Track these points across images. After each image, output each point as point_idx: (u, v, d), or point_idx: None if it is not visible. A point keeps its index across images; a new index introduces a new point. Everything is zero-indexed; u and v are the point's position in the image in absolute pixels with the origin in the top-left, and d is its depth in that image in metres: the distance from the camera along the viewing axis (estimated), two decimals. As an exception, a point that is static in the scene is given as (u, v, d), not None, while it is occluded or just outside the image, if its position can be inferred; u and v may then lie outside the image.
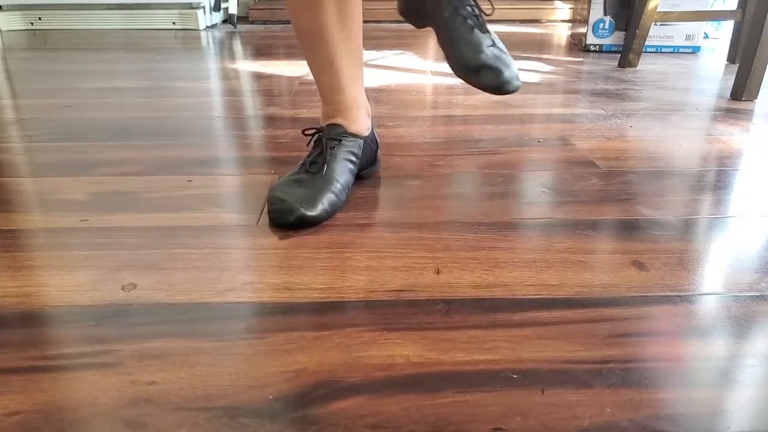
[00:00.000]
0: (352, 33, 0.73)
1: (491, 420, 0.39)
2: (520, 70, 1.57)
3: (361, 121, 0.77)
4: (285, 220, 0.65)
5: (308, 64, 0.76)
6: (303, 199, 0.66)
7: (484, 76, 0.68)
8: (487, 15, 0.72)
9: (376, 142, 0.81)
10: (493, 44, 0.70)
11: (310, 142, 0.76)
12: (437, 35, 0.75)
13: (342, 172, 0.71)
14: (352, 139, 0.74)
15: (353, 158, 0.74)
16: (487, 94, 1.29)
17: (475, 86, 0.70)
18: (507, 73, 0.68)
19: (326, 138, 0.73)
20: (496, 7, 0.81)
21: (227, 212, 0.71)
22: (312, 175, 0.69)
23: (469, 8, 0.71)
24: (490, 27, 0.74)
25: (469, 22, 0.70)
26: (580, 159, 0.88)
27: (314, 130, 0.76)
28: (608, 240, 0.64)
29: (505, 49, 0.71)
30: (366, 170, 0.80)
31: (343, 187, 0.70)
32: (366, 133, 0.77)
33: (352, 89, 0.75)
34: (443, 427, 0.39)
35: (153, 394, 0.42)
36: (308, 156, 0.73)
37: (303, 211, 0.65)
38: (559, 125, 1.06)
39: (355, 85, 0.76)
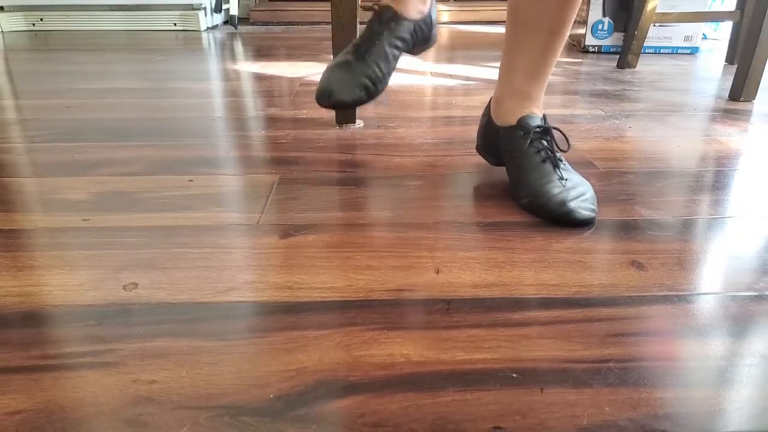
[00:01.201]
0: None
1: (490, 419, 0.40)
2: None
3: (412, 3, 0.78)
4: (321, 102, 0.73)
5: None
6: (342, 83, 0.72)
7: (547, 204, 0.68)
8: (564, 151, 0.74)
9: (431, 23, 0.82)
10: (562, 177, 0.70)
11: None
12: (508, 171, 0.76)
13: (384, 58, 0.75)
14: (401, 23, 0.76)
15: (399, 43, 0.77)
16: (486, 97, 1.29)
17: (540, 216, 0.69)
18: (571, 204, 0.67)
19: (376, 23, 0.76)
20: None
21: (228, 212, 0.71)
22: (357, 59, 0.74)
23: (544, 142, 0.72)
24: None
25: (542, 154, 0.72)
26: (579, 159, 0.88)
27: (374, 7, 0.79)
28: (607, 240, 0.64)
29: (580, 181, 0.71)
30: (417, 48, 0.82)
31: (383, 74, 0.75)
32: (417, 16, 0.79)
33: None
34: (443, 425, 0.39)
35: (154, 393, 0.42)
36: (360, 35, 0.76)
37: (338, 96, 0.73)
38: (558, 126, 1.07)
39: None
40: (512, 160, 0.74)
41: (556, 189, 0.68)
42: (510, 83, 0.75)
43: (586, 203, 0.68)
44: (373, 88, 0.75)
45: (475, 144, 0.84)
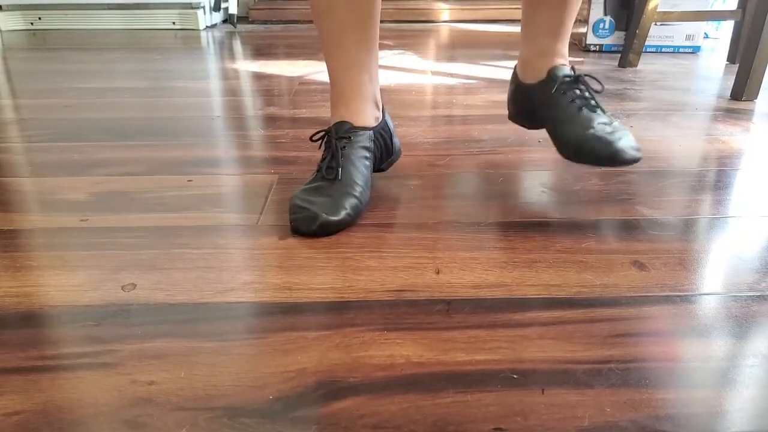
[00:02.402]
0: (360, 11, 0.70)
1: (491, 420, 0.39)
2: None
3: (366, 112, 0.74)
4: (308, 228, 0.64)
5: (322, 50, 0.75)
6: (325, 206, 0.65)
7: (593, 148, 0.70)
8: (598, 92, 0.75)
9: (389, 131, 0.78)
10: (605, 122, 0.72)
11: (320, 145, 0.74)
12: (547, 128, 0.78)
13: (359, 171, 0.70)
14: (360, 132, 0.72)
15: (367, 153, 0.72)
16: (486, 96, 1.29)
17: (586, 163, 0.72)
18: (619, 144, 0.69)
19: (335, 138, 0.71)
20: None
21: (227, 212, 0.71)
22: (330, 182, 0.68)
23: (577, 91, 0.74)
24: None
25: (577, 102, 0.73)
26: (580, 159, 0.88)
27: (322, 133, 0.74)
28: (608, 240, 0.64)
29: (619, 125, 0.72)
30: (385, 163, 0.79)
31: (363, 187, 0.69)
32: (373, 123, 0.75)
33: (356, 75, 0.73)
34: (443, 427, 0.39)
35: (153, 394, 0.42)
36: (322, 160, 0.71)
37: (326, 217, 0.64)
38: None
39: (361, 72, 0.73)
40: (548, 114, 0.76)
41: (599, 133, 0.69)
42: (534, 44, 0.78)
43: (632, 143, 0.70)
44: (360, 205, 0.67)
45: (507, 114, 0.88)
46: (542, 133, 1.01)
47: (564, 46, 0.78)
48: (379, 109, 0.77)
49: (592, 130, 0.70)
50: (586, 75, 0.76)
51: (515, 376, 0.43)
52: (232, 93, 1.31)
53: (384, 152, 0.77)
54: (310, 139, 0.74)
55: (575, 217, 0.69)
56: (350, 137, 0.72)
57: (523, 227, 0.67)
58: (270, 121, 1.09)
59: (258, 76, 1.48)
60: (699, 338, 0.47)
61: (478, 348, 0.46)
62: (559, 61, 0.77)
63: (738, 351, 0.46)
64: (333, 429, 0.39)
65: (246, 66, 1.62)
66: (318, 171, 0.71)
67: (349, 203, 0.66)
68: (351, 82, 0.73)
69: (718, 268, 0.58)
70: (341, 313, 0.51)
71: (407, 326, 0.49)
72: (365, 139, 0.73)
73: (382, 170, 0.79)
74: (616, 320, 0.50)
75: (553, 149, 0.93)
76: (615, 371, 0.44)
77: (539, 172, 0.83)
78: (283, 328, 0.49)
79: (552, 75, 0.76)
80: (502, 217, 0.69)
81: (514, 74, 0.85)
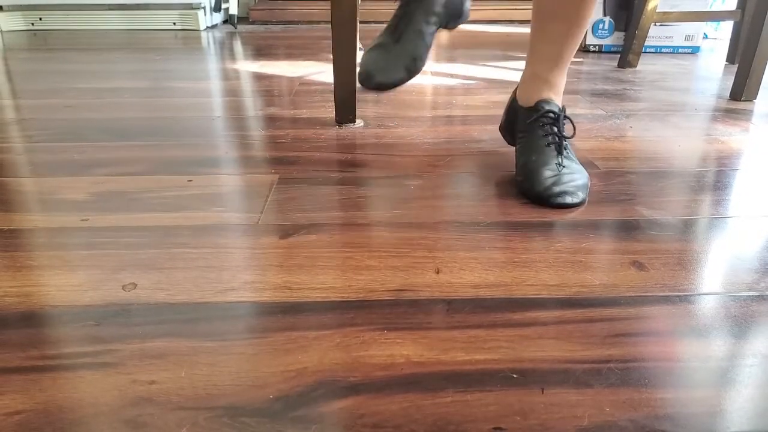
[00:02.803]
0: None
1: (491, 419, 0.39)
2: (521, 71, 1.57)
3: None
4: (366, 84, 0.77)
5: None
6: (382, 66, 0.75)
7: (532, 184, 0.72)
8: (567, 138, 0.76)
9: None
10: (561, 164, 0.73)
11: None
12: (516, 147, 0.80)
13: (419, 36, 0.77)
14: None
15: (433, 18, 0.78)
16: (486, 96, 1.29)
17: (524, 194, 0.74)
18: (555, 188, 0.71)
19: (412, 2, 0.77)
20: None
21: (228, 212, 0.71)
22: (393, 40, 0.77)
23: (555, 128, 0.75)
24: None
25: (549, 138, 0.75)
26: (580, 159, 0.88)
27: None
28: (608, 240, 0.64)
29: (575, 172, 0.73)
30: (451, 24, 0.83)
31: (420, 52, 0.76)
32: None
33: None
34: (443, 426, 0.39)
35: (153, 393, 0.42)
36: (394, 16, 0.78)
37: (379, 78, 0.76)
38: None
39: None
40: (521, 140, 0.78)
41: (549, 173, 0.71)
42: (532, 67, 0.80)
43: (574, 188, 0.71)
44: (413, 67, 0.78)
45: (499, 124, 0.90)
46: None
47: (558, 78, 0.78)
48: None
49: (545, 168, 0.72)
50: (566, 117, 0.77)
51: (515, 376, 0.43)
52: (232, 93, 1.31)
53: (454, 15, 0.84)
54: None
55: (575, 217, 0.69)
56: (424, 1, 0.78)
57: (523, 227, 0.67)
58: (270, 121, 1.09)
59: (258, 77, 1.48)
60: (698, 338, 0.48)
61: (477, 347, 0.46)
62: (551, 95, 0.78)
63: (737, 351, 0.46)
64: (333, 428, 0.39)
65: (246, 66, 1.62)
66: (388, 27, 0.79)
67: (404, 66, 0.76)
68: None
69: (718, 268, 0.58)
70: (341, 312, 0.51)
71: (407, 326, 0.49)
72: (437, 4, 0.79)
73: (449, 30, 0.86)
74: (615, 320, 0.50)
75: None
76: (614, 371, 0.44)
77: (539, 172, 0.83)
78: (284, 328, 0.49)
79: (538, 106, 0.77)
80: (502, 217, 0.69)
81: (516, 88, 0.86)
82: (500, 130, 0.90)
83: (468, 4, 0.85)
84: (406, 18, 0.77)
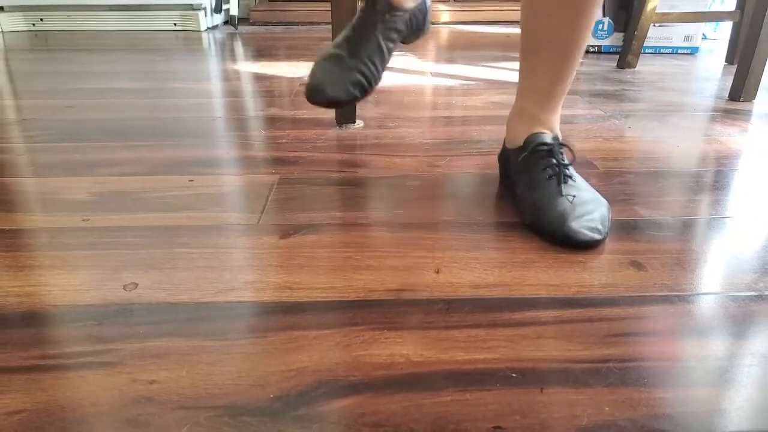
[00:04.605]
0: None
1: (490, 419, 0.40)
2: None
3: None
4: (314, 99, 0.69)
5: None
6: (334, 79, 0.68)
7: (547, 224, 0.63)
8: (568, 164, 0.68)
9: (425, 10, 0.77)
10: (572, 195, 0.64)
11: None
12: (515, 191, 0.71)
13: (378, 52, 0.70)
14: (396, 14, 0.71)
15: (394, 35, 0.72)
16: (485, 97, 1.29)
17: (540, 233, 0.65)
18: (572, 225, 0.61)
19: (370, 13, 0.71)
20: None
21: (228, 212, 0.71)
22: (350, 53, 0.69)
23: (553, 159, 0.67)
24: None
25: (548, 171, 0.66)
26: (579, 159, 0.88)
27: None
28: (606, 240, 0.64)
29: (590, 196, 0.66)
30: (410, 39, 0.78)
31: (377, 69, 0.69)
32: (412, 4, 0.73)
33: None
34: (443, 425, 0.39)
35: (154, 393, 0.42)
36: (352, 26, 0.72)
37: (330, 93, 0.68)
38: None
39: None
40: (519, 182, 0.69)
41: (558, 207, 0.63)
42: (520, 103, 0.73)
43: (591, 223, 0.62)
44: (368, 85, 0.69)
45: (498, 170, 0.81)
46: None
47: (551, 114, 0.70)
48: None
49: (552, 203, 0.63)
50: (561, 143, 0.69)
51: (514, 375, 0.44)
52: (233, 94, 1.32)
53: (414, 29, 0.77)
54: None
55: (574, 217, 0.69)
56: (386, 17, 0.71)
57: (522, 227, 0.67)
58: (271, 121, 1.09)
59: (259, 77, 1.48)
60: (697, 338, 0.48)
61: (477, 347, 0.47)
62: (541, 130, 0.70)
63: (736, 350, 0.46)
64: (333, 427, 0.39)
65: (247, 67, 1.62)
66: (344, 37, 0.71)
67: (358, 82, 0.68)
68: None
69: (716, 267, 0.58)
70: (342, 312, 0.51)
71: (407, 326, 0.49)
72: (399, 21, 0.72)
73: (405, 44, 0.79)
74: (614, 320, 0.50)
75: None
76: (613, 370, 0.44)
77: (538, 172, 0.84)
78: (284, 327, 0.49)
79: (527, 142, 0.69)
80: (501, 217, 0.70)
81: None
82: (498, 159, 0.80)
83: (429, 19, 0.79)
84: (366, 30, 0.70)
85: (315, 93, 0.70)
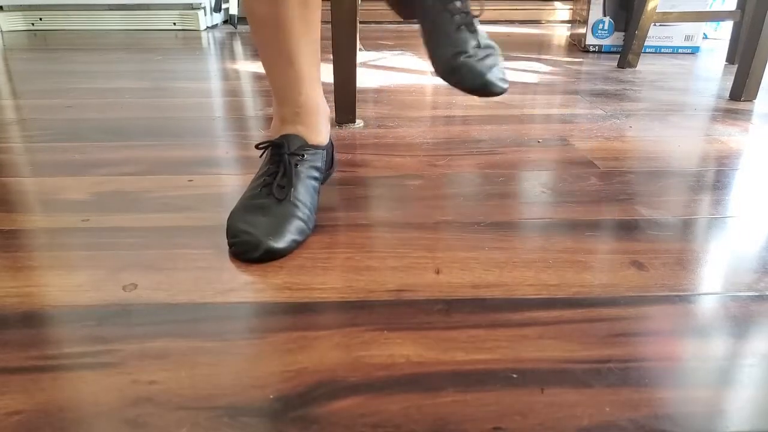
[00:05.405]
0: (313, 26, 0.67)
1: (491, 419, 0.39)
2: (520, 71, 1.57)
3: (322, 128, 0.70)
4: (250, 256, 0.59)
5: (262, 59, 0.69)
6: (269, 230, 0.60)
7: (464, 77, 0.67)
8: (476, 16, 0.70)
9: (332, 145, 0.75)
10: (479, 45, 0.68)
11: (262, 154, 0.68)
12: (421, 30, 0.72)
13: (308, 192, 0.65)
14: (314, 151, 0.67)
15: (317, 174, 0.67)
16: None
17: (455, 87, 0.69)
18: (489, 76, 0.67)
19: (288, 154, 0.65)
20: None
21: (228, 212, 0.71)
22: (277, 201, 0.62)
23: (458, 3, 0.68)
24: (483, 27, 0.72)
25: (457, 18, 0.68)
26: (580, 159, 0.88)
27: (268, 144, 0.68)
28: (607, 240, 0.64)
29: (492, 51, 0.69)
30: (324, 176, 0.73)
31: (310, 210, 0.64)
32: (326, 142, 0.71)
33: (312, 89, 0.69)
34: (443, 426, 0.39)
35: (154, 393, 0.42)
36: (266, 173, 0.66)
37: (270, 244, 0.59)
38: (559, 125, 1.07)
39: (315, 86, 0.70)
40: (426, 22, 0.70)
41: (470, 62, 0.67)
42: None
43: (499, 73, 0.67)
44: (307, 229, 0.62)
45: None
46: (541, 134, 1.01)
47: None
48: (329, 124, 0.73)
49: (464, 57, 0.67)
50: None
51: (515, 376, 0.43)
52: (232, 93, 1.31)
53: (326, 167, 0.73)
54: (256, 147, 0.69)
55: (575, 217, 0.69)
56: (304, 155, 0.66)
57: (522, 227, 0.67)
58: (270, 121, 1.09)
59: (258, 77, 1.48)
60: (698, 338, 0.48)
61: (477, 347, 0.47)
62: None
63: (737, 350, 0.46)
64: (333, 428, 0.39)
65: (246, 66, 1.62)
66: (263, 186, 0.64)
67: (296, 227, 0.62)
68: (307, 96, 0.68)
69: (717, 267, 0.58)
70: (341, 312, 0.51)
71: (407, 326, 0.49)
72: (318, 159, 0.68)
73: (321, 184, 0.72)
74: (615, 320, 0.50)
75: (553, 149, 0.93)
76: (614, 371, 0.44)
77: (538, 172, 0.84)
78: (284, 328, 0.49)
79: None
80: (502, 217, 0.69)
81: None
82: (386, 2, 0.79)
83: (335, 155, 0.77)
84: (290, 174, 0.64)
85: (251, 249, 0.60)
